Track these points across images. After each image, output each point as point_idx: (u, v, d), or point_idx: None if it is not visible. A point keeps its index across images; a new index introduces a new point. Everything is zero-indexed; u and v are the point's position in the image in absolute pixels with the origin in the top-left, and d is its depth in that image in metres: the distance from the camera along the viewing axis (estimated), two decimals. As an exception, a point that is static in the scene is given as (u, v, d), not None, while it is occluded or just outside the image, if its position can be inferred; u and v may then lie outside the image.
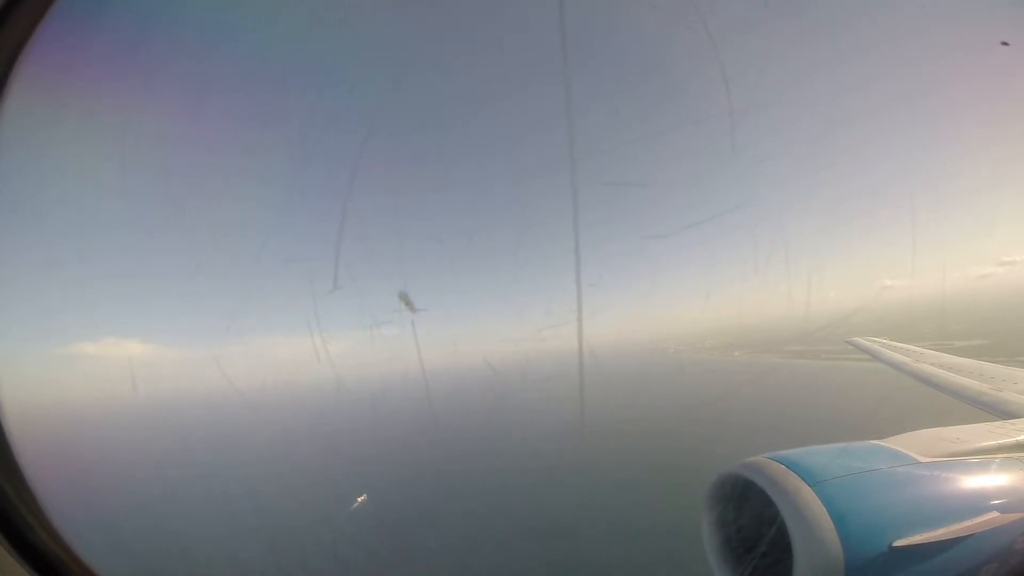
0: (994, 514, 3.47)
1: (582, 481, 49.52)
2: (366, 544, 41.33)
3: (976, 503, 3.61)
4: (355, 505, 48.38)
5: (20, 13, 2.23)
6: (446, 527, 43.14)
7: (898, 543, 3.30)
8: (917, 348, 10.25)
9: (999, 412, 6.03)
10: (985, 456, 4.20)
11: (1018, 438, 4.49)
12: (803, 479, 3.64)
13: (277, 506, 51.91)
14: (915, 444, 4.23)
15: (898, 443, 4.27)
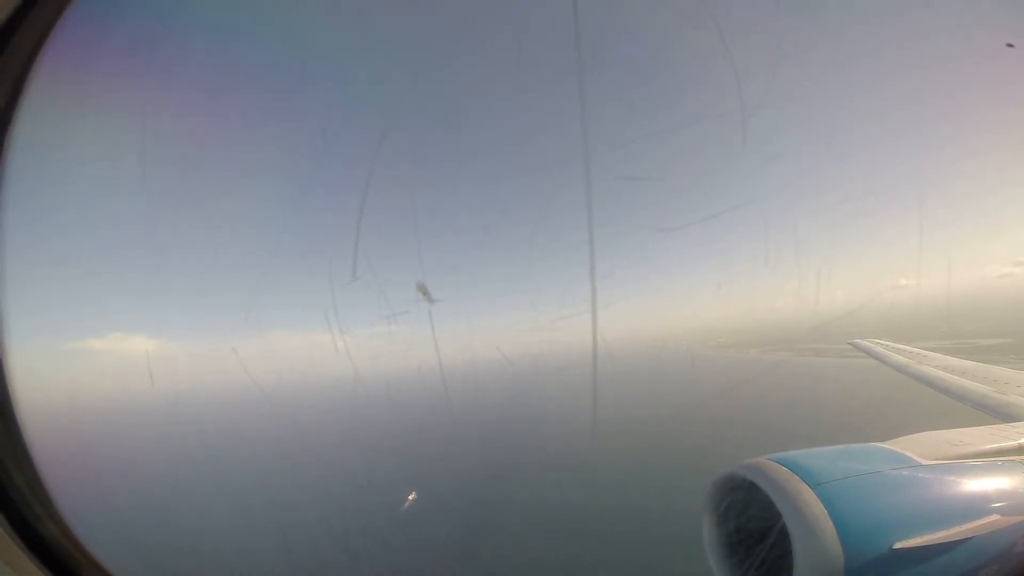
0: (995, 517, 3.47)
1: (591, 475, 49.64)
2: (377, 535, 41.55)
3: (977, 506, 3.60)
4: (406, 504, 48.09)
5: (38, 12, 2.27)
6: (458, 518, 43.37)
7: (899, 545, 3.30)
8: (919, 350, 10.19)
9: (1002, 415, 6.00)
10: (987, 459, 4.20)
11: (1020, 441, 4.48)
12: (804, 480, 3.64)
13: (290, 500, 52.05)
14: (917, 446, 4.23)
15: (900, 445, 4.26)
